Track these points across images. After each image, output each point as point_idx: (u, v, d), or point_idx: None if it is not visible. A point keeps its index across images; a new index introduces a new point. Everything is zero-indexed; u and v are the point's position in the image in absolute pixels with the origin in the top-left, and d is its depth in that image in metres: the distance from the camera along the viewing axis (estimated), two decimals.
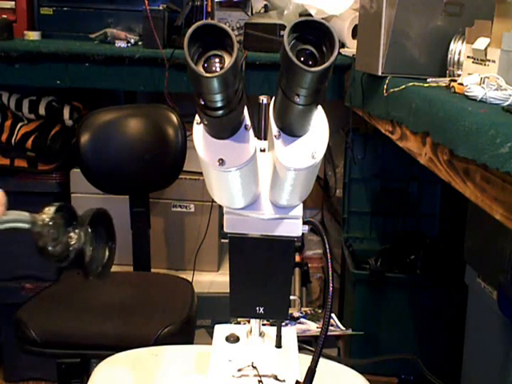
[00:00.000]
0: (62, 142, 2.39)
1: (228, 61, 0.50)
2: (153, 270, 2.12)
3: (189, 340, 1.72)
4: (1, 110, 2.44)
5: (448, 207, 2.43)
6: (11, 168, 2.39)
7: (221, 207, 0.73)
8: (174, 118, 2.02)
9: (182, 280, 1.97)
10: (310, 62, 0.50)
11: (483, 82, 1.14)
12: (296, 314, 1.95)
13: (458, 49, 1.43)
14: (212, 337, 0.98)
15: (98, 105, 2.13)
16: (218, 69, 0.51)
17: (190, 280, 2.10)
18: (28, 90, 2.39)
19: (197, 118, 0.59)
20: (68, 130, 2.42)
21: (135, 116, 2.06)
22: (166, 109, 2.06)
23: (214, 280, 2.39)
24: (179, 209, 2.41)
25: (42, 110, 2.39)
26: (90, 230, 0.61)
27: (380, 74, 1.54)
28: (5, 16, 2.45)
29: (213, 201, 0.69)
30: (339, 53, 0.50)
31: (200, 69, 0.50)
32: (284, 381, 0.90)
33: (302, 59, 0.50)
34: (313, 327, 1.84)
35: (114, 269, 2.46)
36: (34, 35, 2.41)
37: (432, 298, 2.18)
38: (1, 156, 2.39)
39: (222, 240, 2.44)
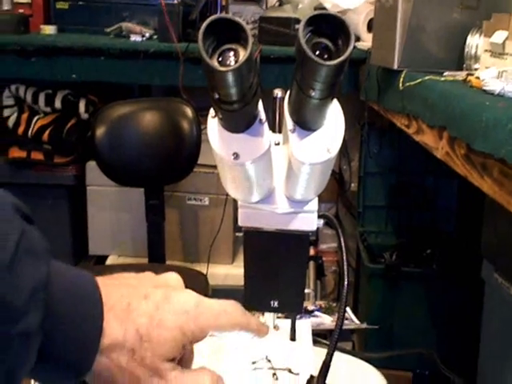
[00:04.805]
0: (78, 135, 2.41)
1: (242, 54, 0.50)
2: (168, 262, 2.13)
3: None
4: (17, 103, 2.46)
5: (465, 201, 2.41)
6: (28, 160, 2.41)
7: (235, 200, 0.73)
8: (189, 112, 2.02)
9: (196, 272, 1.97)
10: (326, 56, 0.50)
11: (501, 76, 1.13)
12: (310, 308, 1.94)
13: (475, 42, 1.41)
14: None
15: (113, 98, 2.14)
16: (232, 62, 0.51)
17: (205, 272, 2.10)
18: (44, 83, 2.40)
19: (211, 111, 0.59)
20: (83, 123, 2.43)
21: (150, 109, 2.06)
22: (181, 102, 2.07)
23: (228, 273, 2.39)
24: (194, 202, 2.41)
25: (58, 104, 2.40)
26: None
27: (396, 67, 1.53)
28: (21, 10, 2.47)
29: (227, 194, 0.69)
30: (354, 47, 0.50)
31: (214, 62, 0.50)
32: (298, 374, 0.90)
33: (318, 53, 0.50)
34: (327, 321, 1.84)
35: (129, 260, 2.48)
36: (49, 29, 2.43)
37: (448, 293, 2.16)
38: (18, 148, 2.41)
39: (237, 234, 2.45)
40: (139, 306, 0.52)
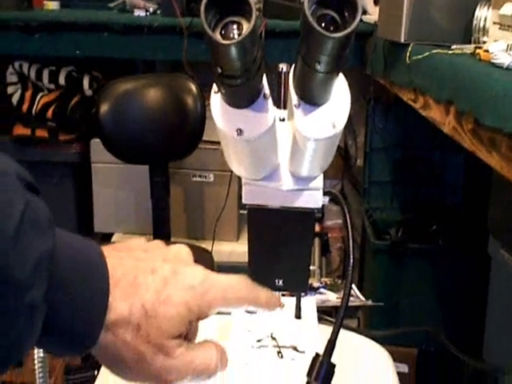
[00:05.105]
0: (82, 112, 2.39)
1: (246, 27, 0.48)
2: (173, 240, 2.13)
3: None
4: (21, 80, 2.44)
5: (472, 176, 2.39)
6: (32, 138, 2.40)
7: (240, 177, 0.72)
8: (193, 87, 2.00)
9: (201, 249, 1.97)
10: (332, 28, 0.49)
11: (510, 49, 1.11)
12: (315, 284, 1.94)
13: (483, 15, 1.39)
14: None
15: (116, 74, 2.12)
16: (235, 36, 0.49)
17: (210, 249, 2.10)
18: (48, 59, 2.38)
19: (214, 87, 0.58)
20: (88, 100, 2.41)
21: (154, 85, 2.04)
22: (185, 78, 2.05)
23: (233, 250, 2.39)
24: (199, 178, 2.41)
25: (61, 80, 2.38)
26: None
27: (403, 41, 1.50)
28: None
29: (232, 171, 0.68)
30: (361, 20, 0.48)
31: (217, 35, 0.48)
32: (303, 352, 0.90)
33: (323, 25, 0.48)
34: (332, 297, 1.84)
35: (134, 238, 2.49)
36: (53, 5, 2.41)
37: (454, 269, 2.16)
38: (22, 126, 2.40)
39: (241, 211, 2.44)
40: (146, 280, 0.51)
